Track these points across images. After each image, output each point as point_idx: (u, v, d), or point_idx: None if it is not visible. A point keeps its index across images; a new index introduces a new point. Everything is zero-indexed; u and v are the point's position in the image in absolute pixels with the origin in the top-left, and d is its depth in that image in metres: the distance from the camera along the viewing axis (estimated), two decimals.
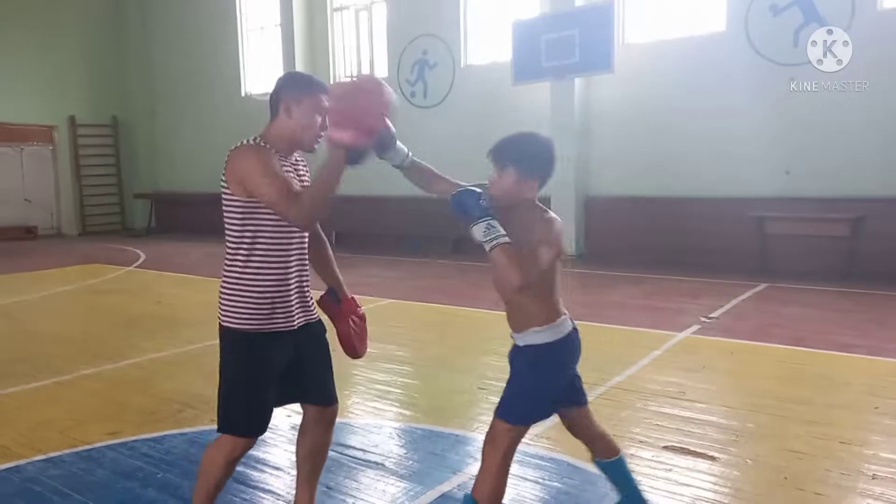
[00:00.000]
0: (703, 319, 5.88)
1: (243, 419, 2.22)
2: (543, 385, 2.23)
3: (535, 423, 2.37)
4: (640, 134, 9.79)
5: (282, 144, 2.20)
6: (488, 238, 2.01)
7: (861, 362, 4.63)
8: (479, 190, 2.09)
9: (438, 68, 11.87)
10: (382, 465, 3.09)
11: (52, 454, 3.25)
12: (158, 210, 16.04)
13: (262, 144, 2.16)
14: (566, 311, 2.30)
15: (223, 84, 15.28)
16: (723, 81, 9.03)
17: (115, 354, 5.09)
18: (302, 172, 2.31)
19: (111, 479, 2.97)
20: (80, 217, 16.44)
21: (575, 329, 2.31)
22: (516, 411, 2.22)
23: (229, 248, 2.21)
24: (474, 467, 3.01)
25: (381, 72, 12.75)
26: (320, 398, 2.41)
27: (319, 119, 2.19)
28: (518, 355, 2.28)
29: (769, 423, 3.52)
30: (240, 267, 2.19)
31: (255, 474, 3.03)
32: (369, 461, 3.13)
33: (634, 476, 2.54)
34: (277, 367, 2.23)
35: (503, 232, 2.02)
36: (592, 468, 2.92)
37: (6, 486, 2.92)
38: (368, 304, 6.90)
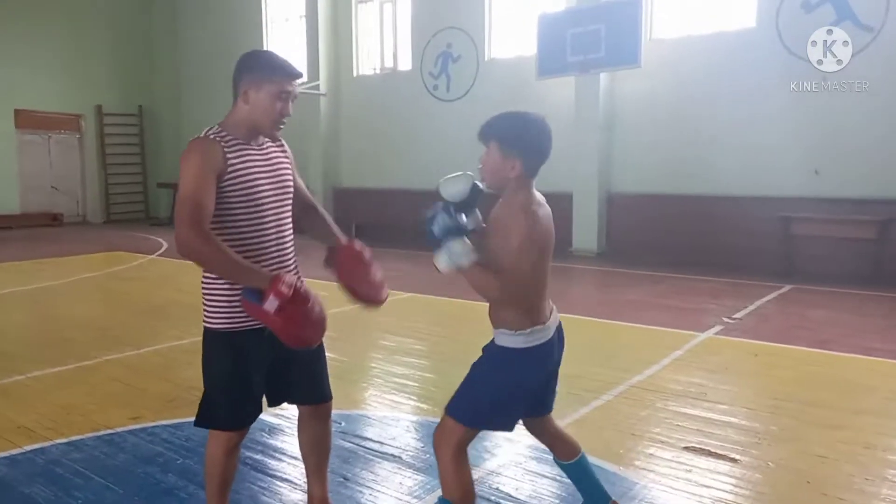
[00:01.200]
0: (726, 320, 5.81)
1: (226, 416, 2.14)
2: (502, 393, 2.09)
3: (487, 430, 2.22)
4: (665, 130, 9.66)
5: (241, 132, 2.10)
6: (452, 263, 1.95)
7: (886, 367, 4.54)
8: (446, 200, 2.00)
9: (462, 61, 11.82)
10: (399, 457, 3.09)
11: (74, 437, 3.29)
12: None
13: (214, 137, 2.04)
14: (550, 316, 2.12)
15: None
16: (752, 78, 8.88)
17: (136, 341, 5.15)
18: (274, 157, 2.17)
19: (132, 463, 3.01)
20: (105, 205, 16.66)
21: (553, 338, 2.13)
22: (467, 413, 2.08)
23: None
24: (491, 462, 3.00)
25: (405, 64, 12.74)
26: (312, 398, 2.31)
27: (280, 105, 2.06)
28: (491, 350, 2.16)
29: (792, 426, 3.47)
30: None
31: (272, 462, 3.04)
32: (386, 454, 3.13)
33: (599, 477, 2.40)
34: (258, 363, 2.13)
35: (467, 248, 1.95)
36: (609, 466, 2.91)
37: (30, 467, 2.97)
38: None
